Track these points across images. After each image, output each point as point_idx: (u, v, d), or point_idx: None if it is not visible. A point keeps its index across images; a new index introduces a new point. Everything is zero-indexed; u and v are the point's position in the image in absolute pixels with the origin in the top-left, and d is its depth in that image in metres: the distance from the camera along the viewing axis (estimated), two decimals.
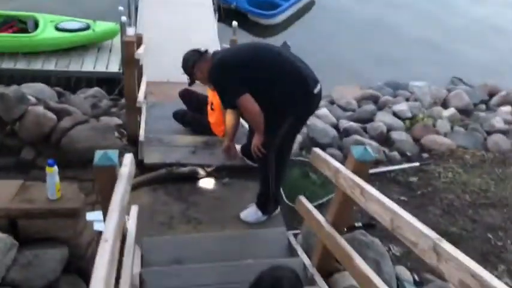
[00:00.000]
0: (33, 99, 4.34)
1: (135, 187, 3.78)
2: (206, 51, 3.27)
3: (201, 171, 4.00)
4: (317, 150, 2.76)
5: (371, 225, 3.44)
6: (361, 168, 2.30)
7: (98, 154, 2.08)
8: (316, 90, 3.01)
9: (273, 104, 2.99)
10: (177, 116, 4.78)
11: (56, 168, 2.19)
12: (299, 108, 3.03)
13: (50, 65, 7.43)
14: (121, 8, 7.66)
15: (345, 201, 2.45)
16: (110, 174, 2.07)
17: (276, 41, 8.39)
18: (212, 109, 4.45)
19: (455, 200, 3.99)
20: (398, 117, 5.22)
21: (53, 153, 3.87)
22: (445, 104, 5.93)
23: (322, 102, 5.69)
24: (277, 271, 1.29)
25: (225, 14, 10.04)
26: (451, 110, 5.57)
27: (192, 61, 3.22)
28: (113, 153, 2.10)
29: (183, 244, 3.16)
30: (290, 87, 2.98)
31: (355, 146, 2.41)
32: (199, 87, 4.16)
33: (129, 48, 3.85)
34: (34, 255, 2.14)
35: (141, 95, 4.30)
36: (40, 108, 3.93)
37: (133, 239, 2.39)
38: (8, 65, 7.30)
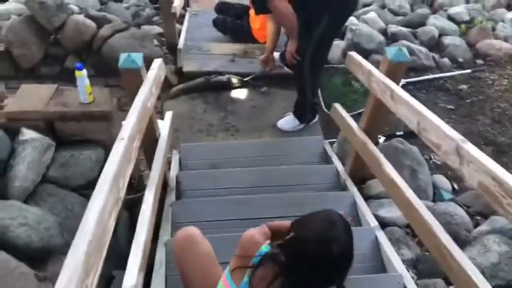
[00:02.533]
0: (75, 8, 4.37)
1: (174, 95, 3.84)
2: None
3: (239, 80, 3.96)
4: (352, 53, 2.62)
5: (412, 133, 3.33)
6: (395, 70, 2.17)
7: (122, 57, 2.08)
8: None
9: (307, 5, 2.81)
10: (217, 22, 4.66)
11: (84, 71, 2.22)
12: (334, 9, 2.83)
13: None
14: None
15: (377, 106, 2.36)
16: (135, 77, 2.09)
17: None
18: (256, 14, 4.32)
19: (508, 109, 3.73)
20: (454, 21, 4.80)
21: (96, 61, 3.96)
22: (510, 5, 5.36)
23: (371, 6, 5.35)
24: (331, 215, 1.23)
25: None
26: None
27: None
28: (137, 56, 2.10)
29: (220, 150, 3.22)
30: None
31: (390, 47, 2.26)
32: None
33: None
34: (70, 155, 2.25)
35: (177, 1, 4.19)
36: (80, 16, 3.95)
37: (165, 143, 2.46)
38: None
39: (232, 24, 4.58)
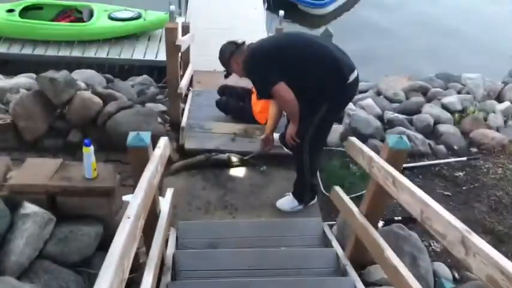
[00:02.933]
0: (82, 85, 4.53)
1: (174, 171, 3.87)
2: (243, 43, 3.24)
3: (239, 158, 4.02)
4: (352, 138, 2.70)
5: (411, 219, 3.34)
6: (395, 157, 2.22)
7: (131, 135, 2.13)
8: (351, 79, 2.93)
9: (307, 93, 2.95)
10: (220, 104, 4.82)
11: (92, 148, 2.26)
12: (333, 97, 2.97)
13: (103, 53, 7.72)
14: None
15: (378, 192, 2.38)
16: (142, 155, 2.12)
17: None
18: (258, 98, 4.50)
19: (504, 198, 3.78)
20: (448, 110, 4.99)
21: (98, 137, 4.03)
22: (499, 98, 5.61)
23: (368, 93, 5.58)
24: None
25: (274, 4, 10.01)
26: (506, 104, 5.26)
27: (229, 53, 3.20)
28: (146, 135, 2.15)
29: (218, 229, 3.19)
30: (324, 75, 2.93)
31: (391, 134, 2.33)
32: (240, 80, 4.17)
33: (171, 34, 3.91)
34: (70, 230, 2.22)
35: (183, 82, 4.36)
36: (87, 93, 4.08)
37: (165, 220, 2.45)
38: (64, 52, 7.64)
39: (234, 106, 4.73)
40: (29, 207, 2.13)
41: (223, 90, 4.98)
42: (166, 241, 2.92)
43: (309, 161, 3.25)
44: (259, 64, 3.02)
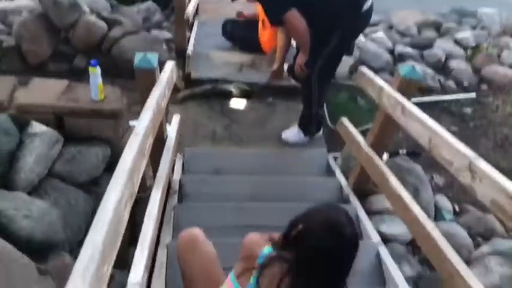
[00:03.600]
0: (87, 9, 4.39)
1: (180, 100, 3.85)
2: None
3: (246, 89, 3.98)
4: (363, 68, 2.65)
5: (416, 153, 3.35)
6: (406, 87, 2.19)
7: (138, 56, 2.09)
8: (366, 7, 2.82)
9: (318, 20, 2.84)
10: (225, 30, 4.69)
11: (98, 68, 2.23)
12: (346, 26, 2.86)
13: None
14: None
15: (386, 122, 2.37)
16: (149, 77, 2.10)
17: None
18: (270, 24, 4.37)
19: (511, 135, 3.76)
20: (460, 45, 4.86)
21: (104, 62, 3.96)
22: None
23: (379, 27, 5.41)
24: (333, 204, 1.25)
25: None
26: None
27: None
28: (153, 56, 2.11)
29: (223, 156, 3.22)
30: (339, 2, 2.82)
31: (403, 64, 2.28)
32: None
33: None
34: (78, 151, 2.24)
35: (190, 8, 4.23)
36: (92, 17, 3.97)
37: (172, 145, 2.46)
38: None
39: (241, 35, 4.61)
40: (37, 126, 2.13)
41: (227, 24, 4.85)
42: (173, 167, 2.96)
43: (317, 92, 3.20)
44: None
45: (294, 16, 2.82)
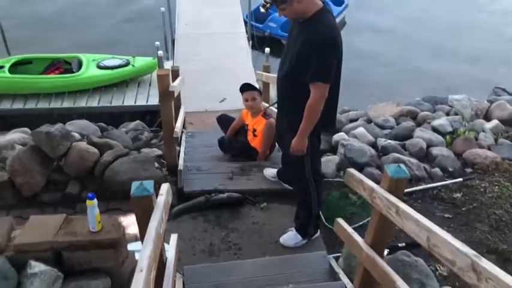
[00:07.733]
0: (77, 135, 4.55)
1: (174, 216, 3.86)
2: None
3: (239, 197, 4.03)
4: (351, 170, 2.73)
5: (415, 244, 3.34)
6: (396, 186, 2.26)
7: (134, 185, 2.15)
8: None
9: (328, 105, 2.86)
10: (223, 144, 4.87)
11: (95, 201, 2.27)
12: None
13: (94, 102, 7.81)
14: (157, 43, 8.02)
15: (382, 222, 2.40)
16: (147, 204, 2.13)
17: None
18: (255, 136, 4.68)
19: (504, 215, 3.81)
20: (438, 132, 5.07)
21: (97, 186, 4.03)
22: (487, 116, 5.72)
23: (358, 122, 5.66)
24: None
25: (258, 42, 10.26)
26: (494, 122, 5.36)
27: None
28: (149, 184, 2.16)
29: (224, 271, 3.18)
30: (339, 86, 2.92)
31: (389, 164, 2.37)
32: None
33: (163, 81, 3.97)
34: (78, 286, 2.21)
35: (178, 126, 4.41)
36: (83, 144, 4.10)
37: (172, 267, 2.44)
38: (55, 104, 7.73)
39: (238, 146, 4.84)
40: (35, 266, 2.11)
41: (221, 119, 5.11)
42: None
43: (315, 189, 3.24)
44: (334, 47, 2.72)
45: (327, 90, 2.77)
